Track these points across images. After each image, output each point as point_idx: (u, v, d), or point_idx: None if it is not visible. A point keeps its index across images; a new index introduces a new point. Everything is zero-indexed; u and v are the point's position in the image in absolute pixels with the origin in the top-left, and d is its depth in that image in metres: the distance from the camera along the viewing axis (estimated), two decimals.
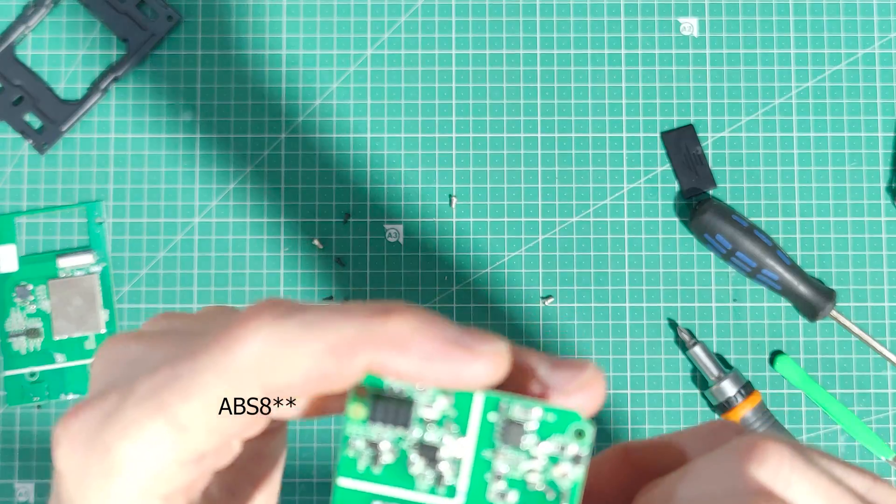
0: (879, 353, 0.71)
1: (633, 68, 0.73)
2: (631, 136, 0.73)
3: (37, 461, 0.71)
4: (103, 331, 0.71)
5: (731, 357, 0.71)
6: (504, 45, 0.73)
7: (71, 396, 0.71)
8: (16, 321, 0.71)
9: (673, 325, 0.72)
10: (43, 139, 0.72)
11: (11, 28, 0.73)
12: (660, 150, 0.73)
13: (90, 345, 0.71)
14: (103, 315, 0.71)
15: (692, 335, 0.71)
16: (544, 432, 0.24)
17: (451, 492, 0.25)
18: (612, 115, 0.73)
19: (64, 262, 0.71)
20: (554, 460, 0.25)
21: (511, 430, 0.24)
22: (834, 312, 0.70)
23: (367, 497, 0.25)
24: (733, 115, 0.73)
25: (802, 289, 0.70)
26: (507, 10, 0.74)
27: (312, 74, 0.73)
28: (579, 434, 0.24)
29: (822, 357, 0.71)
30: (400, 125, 0.73)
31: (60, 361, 0.71)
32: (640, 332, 0.71)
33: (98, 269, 0.72)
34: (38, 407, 0.71)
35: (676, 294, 0.72)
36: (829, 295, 0.70)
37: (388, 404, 0.25)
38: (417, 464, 0.25)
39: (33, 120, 0.73)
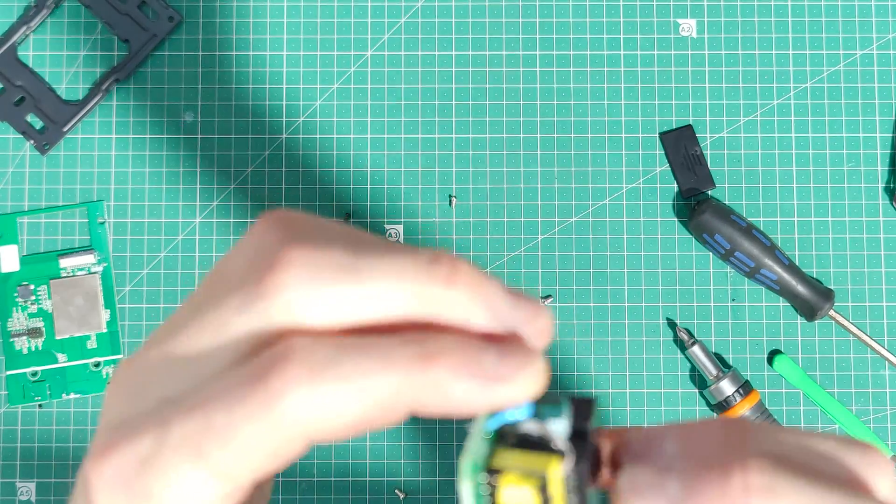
0: (877, 352, 0.71)
1: (633, 69, 0.73)
2: (630, 136, 0.73)
3: (38, 460, 0.71)
4: (105, 330, 0.71)
5: (730, 356, 0.71)
6: (504, 46, 0.73)
7: (72, 396, 0.71)
8: (17, 321, 0.71)
9: (672, 324, 0.72)
10: (44, 139, 0.72)
11: (13, 29, 0.73)
12: (658, 151, 0.73)
13: (92, 344, 0.71)
14: (105, 315, 0.71)
15: (691, 334, 0.71)
16: None
17: None
18: (611, 116, 0.73)
19: (66, 262, 0.71)
20: None
21: None
22: (832, 312, 0.70)
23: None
24: (732, 116, 0.73)
25: (801, 288, 0.70)
26: (506, 12, 0.74)
27: (313, 75, 0.74)
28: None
29: (821, 356, 0.71)
30: (400, 126, 0.73)
31: (62, 361, 0.71)
32: (638, 332, 0.71)
33: (99, 268, 0.72)
34: (40, 406, 0.71)
35: (675, 294, 0.72)
36: (827, 295, 0.70)
37: None
38: None
39: (35, 120, 0.73)
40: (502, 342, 0.25)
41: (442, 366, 0.24)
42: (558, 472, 0.25)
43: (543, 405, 0.26)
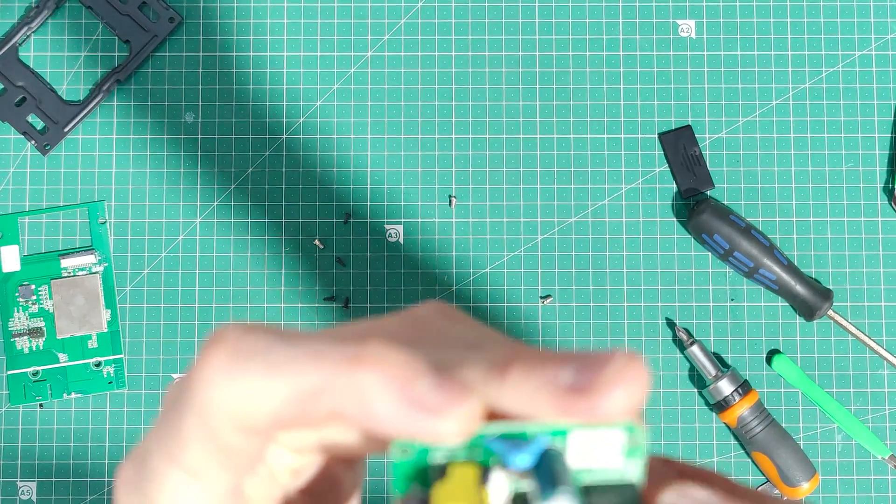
0: (876, 352, 0.71)
1: (632, 70, 0.73)
2: (629, 136, 0.73)
3: (39, 460, 0.71)
4: (105, 330, 0.71)
5: (729, 356, 0.72)
6: (503, 46, 0.74)
7: (73, 395, 0.71)
8: (19, 321, 0.71)
9: (671, 324, 0.72)
10: (45, 140, 0.72)
11: (14, 29, 0.73)
12: (658, 151, 0.73)
13: (93, 344, 0.71)
14: (105, 315, 0.71)
15: (690, 334, 0.71)
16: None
17: None
18: (610, 117, 0.73)
19: (66, 262, 0.71)
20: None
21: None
22: (831, 312, 0.70)
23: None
24: (731, 116, 0.73)
25: (799, 288, 0.70)
26: (506, 12, 0.74)
27: (313, 76, 0.74)
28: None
29: (819, 356, 0.72)
30: (400, 126, 0.73)
31: (63, 361, 0.71)
32: (637, 332, 0.72)
33: (100, 268, 0.72)
34: (41, 406, 0.71)
35: (674, 293, 0.72)
36: (826, 294, 0.70)
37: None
38: None
39: (36, 121, 0.73)
40: (445, 378, 0.23)
41: (369, 372, 0.23)
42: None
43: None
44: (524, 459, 0.23)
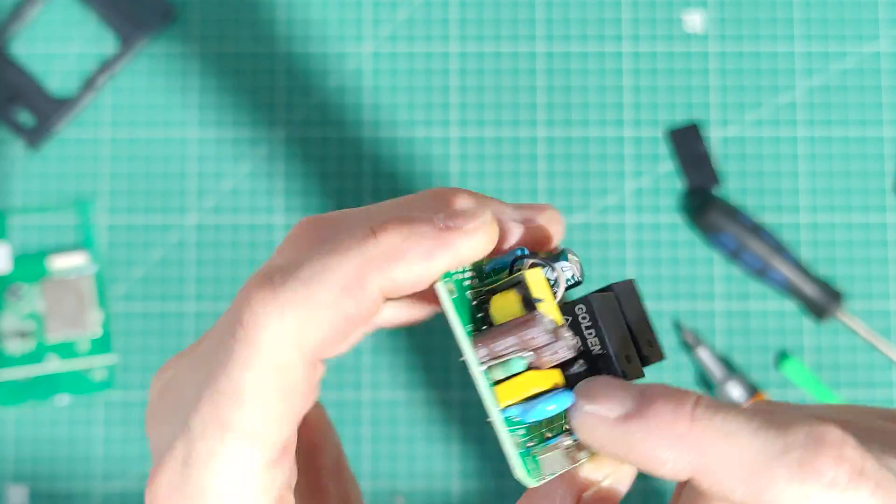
0: (887, 354, 0.71)
1: (637, 66, 0.73)
2: (634, 134, 0.73)
3: (30, 464, 0.70)
4: (97, 332, 0.71)
5: (737, 358, 0.71)
6: (505, 42, 0.73)
7: (65, 398, 0.71)
8: (8, 322, 0.71)
9: (677, 326, 0.71)
10: (36, 137, 0.72)
11: (4, 25, 0.73)
12: (664, 149, 0.73)
13: (84, 346, 0.71)
14: (97, 316, 0.71)
15: (697, 337, 0.70)
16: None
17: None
18: (614, 114, 0.73)
19: (57, 263, 0.71)
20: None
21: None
22: (840, 313, 0.70)
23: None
24: (738, 114, 0.73)
25: (809, 289, 0.70)
26: (507, 7, 0.73)
27: (310, 72, 0.73)
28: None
29: (829, 358, 0.71)
30: (399, 123, 0.73)
31: (54, 363, 0.71)
32: None
33: (92, 269, 0.72)
34: (32, 409, 0.71)
35: (681, 294, 0.72)
36: (836, 295, 0.70)
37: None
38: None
39: (26, 118, 0.73)
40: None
41: (388, 234, 0.25)
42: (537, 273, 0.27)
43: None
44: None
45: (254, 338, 0.25)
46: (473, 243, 0.25)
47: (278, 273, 0.25)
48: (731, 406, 0.25)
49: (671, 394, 0.25)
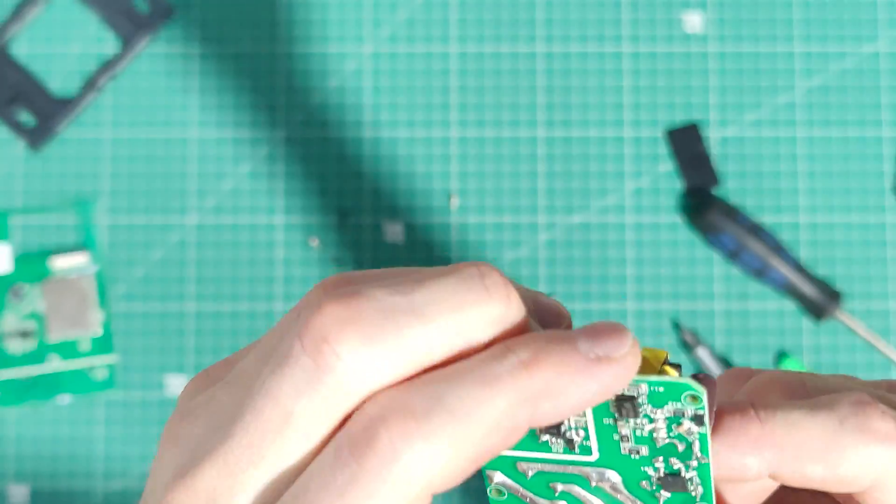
0: (885, 354, 0.71)
1: (636, 66, 0.73)
2: (633, 135, 0.73)
3: (31, 464, 0.70)
4: (98, 332, 0.71)
5: (736, 358, 0.71)
6: (505, 42, 0.73)
7: (65, 397, 0.71)
8: (10, 322, 0.71)
9: (676, 326, 0.71)
10: (37, 138, 0.72)
11: (5, 25, 0.73)
12: (663, 149, 0.73)
13: (85, 346, 0.71)
14: (98, 316, 0.71)
15: (696, 336, 0.70)
16: (657, 401, 0.25)
17: (587, 450, 0.26)
18: (614, 114, 0.73)
19: (58, 263, 0.71)
20: (674, 421, 0.26)
21: (625, 405, 0.25)
22: (839, 313, 0.70)
23: (510, 460, 0.26)
24: (738, 114, 0.73)
25: (808, 289, 0.70)
26: (508, 7, 0.74)
27: (311, 73, 0.74)
28: (694, 399, 0.25)
29: (828, 358, 0.71)
30: (399, 124, 0.73)
31: (55, 362, 0.71)
32: (642, 334, 0.71)
33: (93, 269, 0.72)
34: (33, 408, 0.71)
35: (680, 294, 0.72)
36: (834, 295, 0.70)
37: None
38: (545, 436, 0.26)
39: (27, 118, 0.73)
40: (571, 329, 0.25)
41: (545, 367, 0.23)
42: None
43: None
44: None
45: (385, 470, 0.22)
46: (625, 374, 0.24)
47: (420, 400, 0.23)
48: (777, 400, 0.28)
49: (733, 406, 0.27)
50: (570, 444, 0.26)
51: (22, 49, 0.74)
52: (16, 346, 0.71)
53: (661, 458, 0.26)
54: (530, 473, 0.27)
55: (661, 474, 0.27)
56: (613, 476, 0.27)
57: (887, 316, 0.72)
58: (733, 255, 0.70)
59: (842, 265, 0.72)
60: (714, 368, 0.70)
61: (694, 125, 0.73)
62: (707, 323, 0.72)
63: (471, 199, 0.73)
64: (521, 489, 0.27)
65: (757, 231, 0.70)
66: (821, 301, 0.70)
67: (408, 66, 0.74)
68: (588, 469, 0.27)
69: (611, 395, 0.24)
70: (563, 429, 0.26)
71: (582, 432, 0.26)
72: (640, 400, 0.25)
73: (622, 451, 0.26)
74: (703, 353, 0.70)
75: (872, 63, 0.73)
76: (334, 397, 0.23)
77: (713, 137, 0.73)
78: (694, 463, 0.26)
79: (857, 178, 0.73)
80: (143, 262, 0.72)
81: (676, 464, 0.26)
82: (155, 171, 0.73)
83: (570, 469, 0.27)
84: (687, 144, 0.73)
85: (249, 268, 0.72)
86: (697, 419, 0.25)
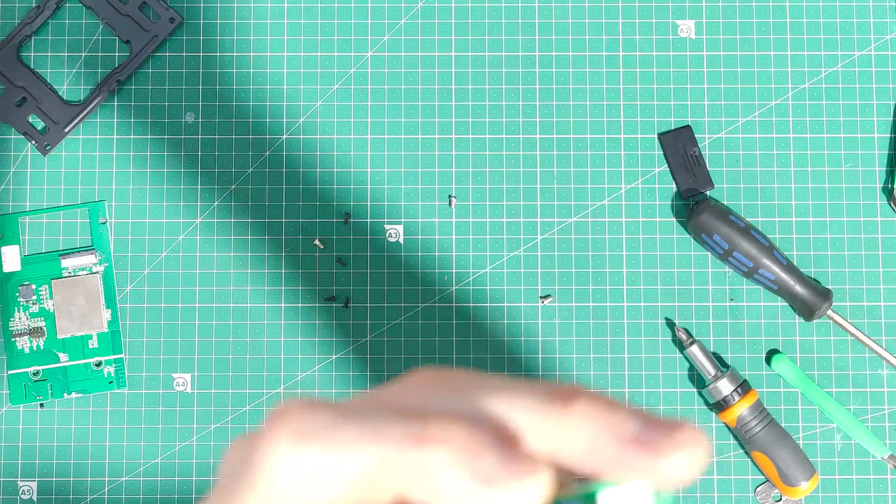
0: (875, 352, 0.71)
1: (631, 70, 0.73)
2: (629, 137, 0.73)
3: (40, 459, 0.71)
4: (106, 330, 0.71)
5: (728, 356, 0.72)
6: (503, 47, 0.74)
7: (74, 395, 0.71)
8: (19, 320, 0.71)
9: (670, 324, 0.72)
10: (46, 140, 0.72)
11: (15, 30, 0.73)
12: (657, 151, 0.73)
13: (93, 344, 0.71)
14: (106, 314, 0.71)
15: (689, 334, 0.71)
16: None
17: None
18: (610, 117, 0.73)
19: (67, 262, 0.71)
20: None
21: None
22: (830, 312, 0.70)
23: None
24: (730, 117, 0.73)
25: (799, 288, 0.70)
26: (506, 13, 0.74)
27: (314, 76, 0.74)
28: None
29: (819, 356, 0.72)
30: (400, 126, 0.73)
31: (63, 360, 0.71)
32: (637, 332, 0.72)
33: (101, 268, 0.72)
34: (42, 406, 0.71)
35: (674, 294, 0.72)
36: (825, 294, 0.70)
37: None
38: None
39: (36, 121, 0.73)
40: (513, 445, 0.23)
41: (436, 450, 0.23)
42: None
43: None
44: None
45: (259, 475, 0.24)
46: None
47: (311, 416, 0.24)
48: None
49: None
50: None
51: (32, 53, 0.74)
52: (25, 344, 0.71)
53: None
54: None
55: None
56: None
57: (877, 314, 0.72)
58: (726, 255, 0.70)
59: (832, 265, 0.72)
60: (707, 365, 0.70)
61: (687, 127, 0.73)
62: (700, 321, 0.72)
63: (470, 200, 0.73)
64: None
65: (749, 231, 0.70)
66: (812, 300, 0.70)
67: (408, 69, 0.74)
68: None
69: None
70: None
71: None
72: None
73: None
74: (696, 351, 0.70)
75: (863, 66, 0.74)
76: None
77: (706, 139, 0.73)
78: None
79: (847, 178, 0.73)
80: (150, 262, 0.72)
81: None
82: (161, 172, 0.73)
83: None
84: (680, 146, 0.73)
85: (254, 267, 0.73)
86: None
